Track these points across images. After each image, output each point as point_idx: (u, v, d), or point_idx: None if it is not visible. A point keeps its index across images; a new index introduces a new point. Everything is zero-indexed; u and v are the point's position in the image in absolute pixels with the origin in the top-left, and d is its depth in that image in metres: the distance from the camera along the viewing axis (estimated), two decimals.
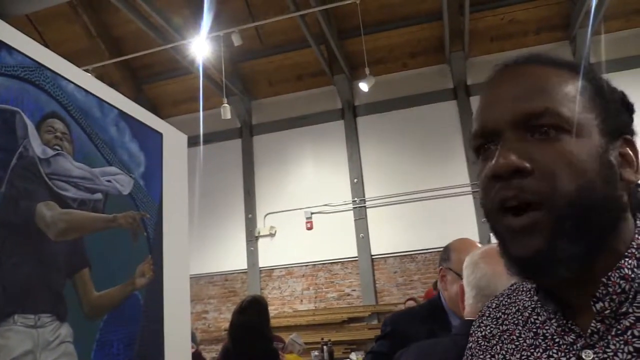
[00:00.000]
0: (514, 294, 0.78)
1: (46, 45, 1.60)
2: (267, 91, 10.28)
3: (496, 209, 0.62)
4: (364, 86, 8.18)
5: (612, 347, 0.58)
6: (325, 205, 9.24)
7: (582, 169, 0.59)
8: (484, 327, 0.80)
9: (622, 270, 0.60)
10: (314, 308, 9.12)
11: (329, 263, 9.25)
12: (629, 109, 0.69)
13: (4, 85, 1.35)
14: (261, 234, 9.63)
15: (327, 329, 8.61)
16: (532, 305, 0.72)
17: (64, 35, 9.13)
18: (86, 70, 6.73)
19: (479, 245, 1.58)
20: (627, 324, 0.58)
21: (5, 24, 1.41)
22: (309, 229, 9.33)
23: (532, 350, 0.67)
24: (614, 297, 0.59)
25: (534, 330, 0.69)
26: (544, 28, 8.86)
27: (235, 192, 9.96)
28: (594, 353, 0.59)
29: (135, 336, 1.70)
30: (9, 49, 1.39)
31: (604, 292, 0.60)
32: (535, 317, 0.70)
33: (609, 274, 0.60)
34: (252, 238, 9.65)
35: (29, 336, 1.30)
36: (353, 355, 7.15)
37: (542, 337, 0.67)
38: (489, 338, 0.77)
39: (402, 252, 8.86)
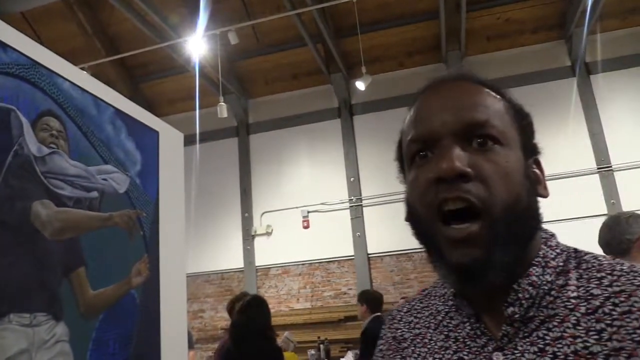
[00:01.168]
0: (426, 299, 0.83)
1: (41, 44, 1.59)
2: (263, 90, 10.26)
3: (434, 214, 0.65)
4: (360, 85, 8.18)
5: (520, 348, 0.63)
6: (322, 204, 9.24)
7: (512, 179, 0.65)
8: (394, 330, 0.83)
9: (530, 277, 0.66)
10: (310, 307, 9.12)
11: (325, 262, 9.25)
12: (534, 133, 0.76)
13: None
14: (258, 232, 9.62)
15: (324, 327, 8.61)
16: (446, 310, 0.76)
17: (60, 34, 9.09)
18: (82, 69, 6.71)
19: None
20: (533, 326, 0.64)
21: (0, 21, 1.41)
22: (306, 227, 9.32)
23: (443, 352, 0.71)
24: (523, 302, 0.65)
25: (446, 333, 0.73)
26: (541, 27, 8.88)
27: (231, 190, 9.95)
28: (503, 355, 0.64)
29: (132, 335, 1.69)
30: (4, 46, 1.38)
31: (515, 297, 0.65)
32: (448, 320, 0.74)
33: (519, 281, 0.65)
34: (248, 237, 9.64)
35: (24, 335, 1.29)
36: (350, 354, 7.15)
37: (453, 340, 0.71)
38: (400, 341, 0.80)
39: (399, 251, 8.86)
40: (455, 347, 0.70)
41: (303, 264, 9.34)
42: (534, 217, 0.68)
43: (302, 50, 9.33)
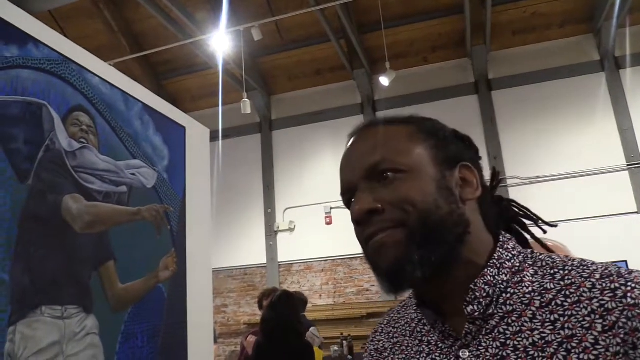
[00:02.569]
0: (403, 310, 0.90)
1: None
2: (286, 86, 10.28)
3: (365, 245, 0.76)
4: (384, 81, 8.12)
5: (484, 344, 0.69)
6: None
7: (422, 197, 0.72)
8: (376, 342, 0.90)
9: (485, 277, 0.72)
10: (333, 303, 9.12)
11: (348, 258, 9.23)
12: (463, 141, 0.83)
13: (31, 78, 1.36)
14: (280, 228, 9.65)
15: (347, 324, 8.60)
16: (419, 318, 0.83)
17: (86, 31, 9.22)
18: None
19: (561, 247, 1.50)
20: (494, 323, 0.70)
21: (32, 18, 1.42)
22: (328, 224, 9.31)
23: (418, 356, 0.78)
24: (481, 300, 0.71)
25: (419, 338, 0.80)
26: (568, 21, 8.70)
27: (254, 186, 9.99)
28: (469, 352, 0.70)
29: (160, 328, 1.71)
30: (36, 42, 1.40)
31: (472, 297, 0.71)
32: (421, 327, 0.81)
33: (475, 281, 0.72)
34: (271, 233, 9.67)
35: (56, 327, 1.31)
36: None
37: (426, 344, 0.78)
38: (381, 351, 0.87)
39: None
40: (428, 349, 0.76)
41: (325, 261, 9.34)
42: (458, 222, 0.73)
43: (325, 46, 9.31)
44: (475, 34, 8.55)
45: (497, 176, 0.91)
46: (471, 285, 0.72)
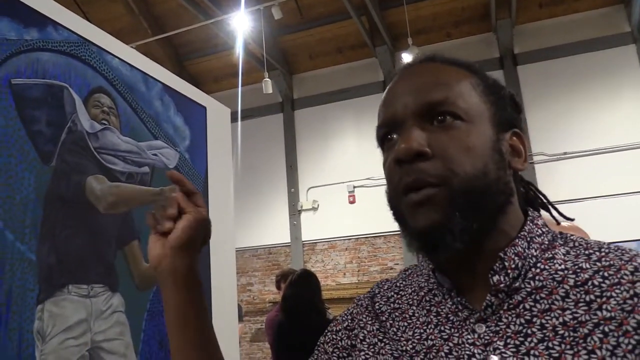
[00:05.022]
0: (409, 278, 0.83)
1: None
2: (308, 65, 10.21)
3: (400, 193, 0.68)
4: (407, 57, 8.02)
5: (505, 320, 0.64)
6: (368, 179, 9.19)
7: (475, 153, 0.66)
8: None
9: (516, 247, 0.67)
10: (356, 281, 9.17)
11: (371, 237, 9.24)
12: (516, 107, 0.78)
13: (52, 61, 1.37)
14: (304, 207, 9.69)
15: None
16: (429, 287, 0.77)
17: (108, 14, 9.27)
18: None
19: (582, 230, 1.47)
20: (520, 298, 0.65)
21: (51, 1, 1.43)
22: (352, 202, 9.32)
23: (424, 327, 0.71)
24: (509, 271, 0.65)
25: (428, 308, 0.74)
26: None
27: (277, 166, 10.03)
28: (486, 326, 0.65)
29: None
30: (55, 25, 1.40)
31: (500, 266, 0.66)
32: (430, 297, 0.75)
33: (505, 249, 0.66)
34: (294, 212, 9.72)
35: (82, 305, 1.34)
36: None
37: (434, 314, 0.72)
38: (378, 314, 0.80)
39: None
40: (437, 321, 0.70)
41: (349, 239, 9.37)
42: (503, 190, 0.69)
43: (346, 24, 9.20)
44: (500, 7, 8.34)
45: None
46: (500, 254, 0.66)
